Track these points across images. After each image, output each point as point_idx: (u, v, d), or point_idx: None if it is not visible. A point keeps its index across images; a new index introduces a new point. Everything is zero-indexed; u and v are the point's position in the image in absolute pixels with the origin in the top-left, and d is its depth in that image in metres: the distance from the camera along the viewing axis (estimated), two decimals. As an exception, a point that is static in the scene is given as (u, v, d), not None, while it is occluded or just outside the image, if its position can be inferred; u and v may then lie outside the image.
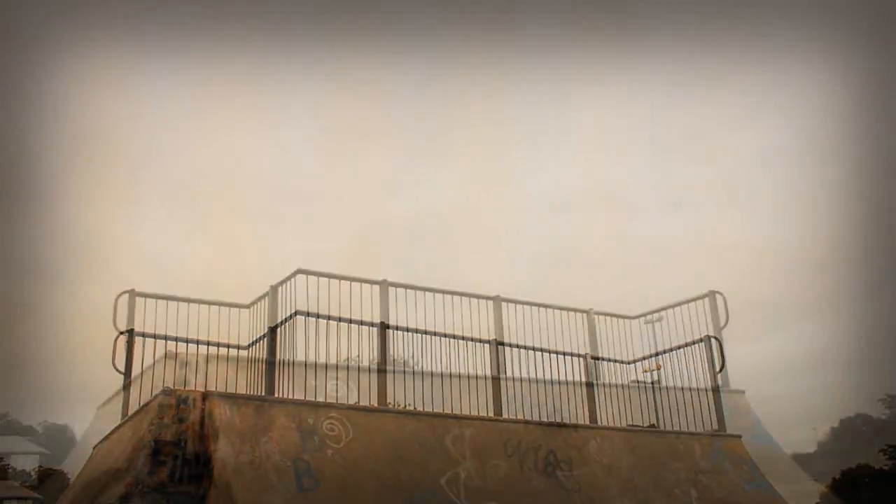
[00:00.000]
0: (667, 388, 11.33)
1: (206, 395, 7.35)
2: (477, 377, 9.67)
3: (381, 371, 8.91)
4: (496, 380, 9.93)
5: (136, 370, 8.89)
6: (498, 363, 10.00)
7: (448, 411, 9.24)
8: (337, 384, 8.51)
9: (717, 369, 11.28)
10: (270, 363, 9.07)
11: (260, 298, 9.82)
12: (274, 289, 9.26)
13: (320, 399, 8.27)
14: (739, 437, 11.37)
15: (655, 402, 11.49)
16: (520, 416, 9.80)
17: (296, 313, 8.66)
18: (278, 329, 9.13)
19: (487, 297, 10.11)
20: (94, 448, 9.27)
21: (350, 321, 8.81)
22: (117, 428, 8.47)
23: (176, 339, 9.22)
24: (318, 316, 8.63)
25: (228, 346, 9.69)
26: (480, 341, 9.96)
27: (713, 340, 11.31)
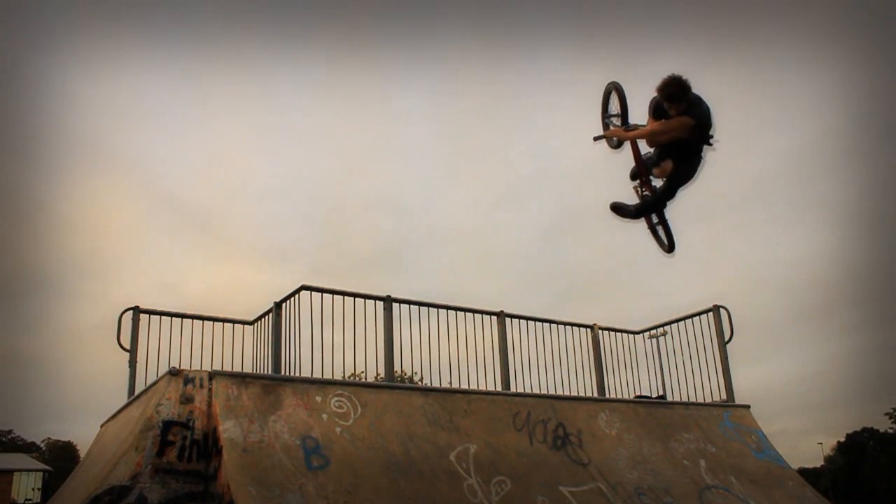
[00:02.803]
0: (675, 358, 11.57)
1: (212, 375, 7.36)
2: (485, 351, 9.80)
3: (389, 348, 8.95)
4: (504, 353, 10.01)
5: (141, 348, 8.97)
6: (504, 337, 10.09)
7: (456, 386, 9.29)
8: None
9: (726, 339, 11.33)
10: (276, 341, 9.09)
11: (264, 315, 9.83)
12: (278, 305, 9.27)
13: (327, 376, 8.29)
14: (748, 406, 11.45)
15: (663, 373, 11.67)
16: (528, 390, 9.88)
17: (302, 288, 8.70)
18: (283, 305, 9.17)
19: (492, 313, 10.12)
20: (101, 426, 9.30)
21: (356, 295, 8.92)
22: (124, 407, 8.49)
23: (182, 316, 9.33)
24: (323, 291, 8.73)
25: (234, 322, 9.82)
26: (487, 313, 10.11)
27: (721, 310, 11.37)
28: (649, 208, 7.27)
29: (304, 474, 6.87)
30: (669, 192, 7.02)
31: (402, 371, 11.60)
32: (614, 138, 7.16)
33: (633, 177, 7.42)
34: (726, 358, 11.30)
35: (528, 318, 10.45)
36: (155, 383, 7.53)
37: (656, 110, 6.65)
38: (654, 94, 6.56)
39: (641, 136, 6.81)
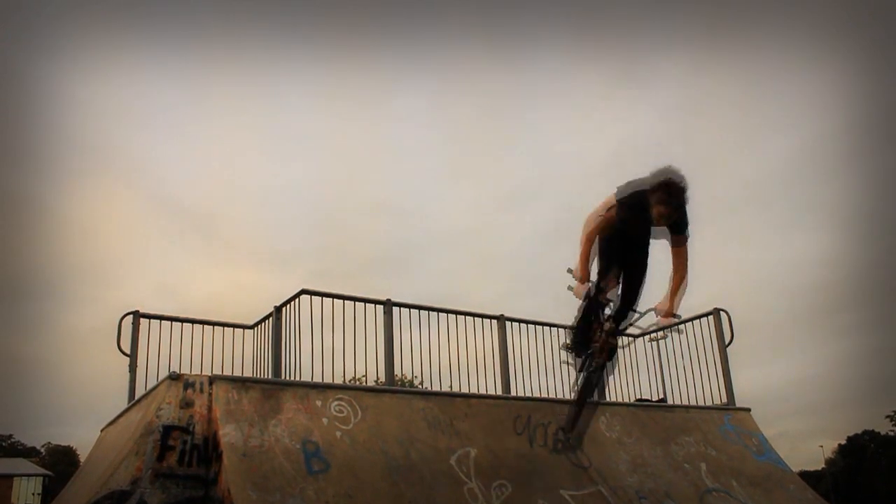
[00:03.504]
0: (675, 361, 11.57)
1: (213, 379, 7.36)
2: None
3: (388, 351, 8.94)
4: (504, 356, 10.00)
5: (141, 352, 8.98)
6: (504, 340, 10.07)
7: (456, 389, 9.31)
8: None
9: (727, 342, 11.32)
10: (276, 345, 9.08)
11: (264, 319, 9.84)
12: (278, 309, 9.27)
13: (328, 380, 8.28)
14: (749, 409, 11.43)
15: (664, 376, 11.67)
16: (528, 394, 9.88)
17: (302, 292, 8.69)
18: (283, 309, 9.16)
19: (492, 316, 10.11)
20: (101, 431, 9.30)
21: (355, 298, 8.91)
22: (125, 411, 8.49)
23: (182, 321, 9.35)
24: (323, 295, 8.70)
25: (234, 326, 9.84)
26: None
27: (721, 313, 11.35)
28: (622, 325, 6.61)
29: (304, 478, 6.87)
30: (629, 303, 6.32)
31: (402, 375, 11.60)
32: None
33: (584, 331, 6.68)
34: (727, 361, 11.29)
35: (528, 322, 10.45)
36: (155, 388, 7.52)
37: (631, 206, 5.76)
38: (650, 183, 5.66)
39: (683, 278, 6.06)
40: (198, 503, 6.69)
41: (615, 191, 6.07)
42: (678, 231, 5.82)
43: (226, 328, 9.96)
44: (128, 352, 9.03)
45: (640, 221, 5.84)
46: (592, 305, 6.51)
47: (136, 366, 8.98)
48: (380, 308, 9.06)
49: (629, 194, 5.85)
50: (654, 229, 5.98)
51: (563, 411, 9.30)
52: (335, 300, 8.76)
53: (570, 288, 6.45)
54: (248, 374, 9.60)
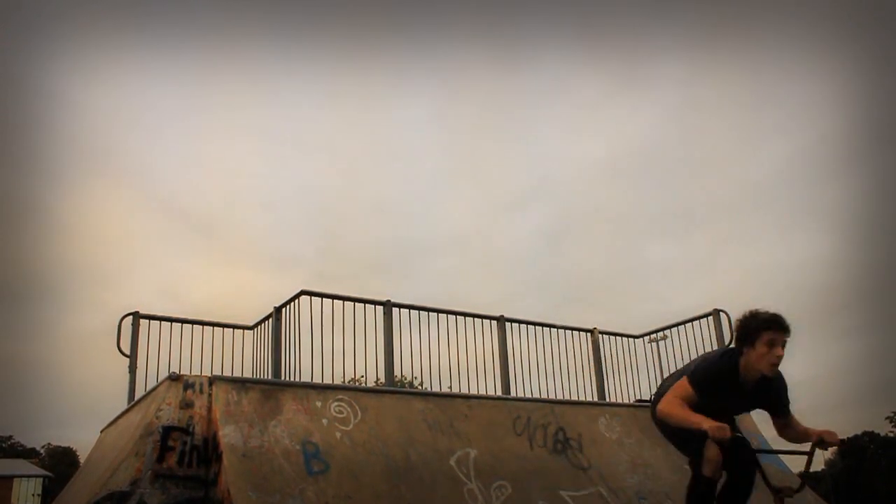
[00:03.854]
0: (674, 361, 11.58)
1: (212, 380, 7.35)
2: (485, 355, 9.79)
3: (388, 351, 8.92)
4: (504, 357, 9.98)
5: (141, 353, 8.98)
6: (504, 342, 10.05)
7: (456, 390, 9.30)
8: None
9: (727, 343, 11.32)
10: (276, 346, 9.07)
11: (264, 319, 9.83)
12: (277, 310, 9.26)
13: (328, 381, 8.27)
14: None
15: (664, 377, 11.76)
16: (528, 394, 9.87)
17: (302, 293, 8.66)
18: (283, 310, 9.14)
19: (492, 317, 10.10)
20: (101, 432, 9.29)
21: (356, 300, 8.89)
22: (124, 412, 8.49)
23: (182, 321, 9.35)
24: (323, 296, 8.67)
25: (234, 327, 9.85)
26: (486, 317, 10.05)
27: (721, 314, 11.32)
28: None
29: (304, 479, 6.85)
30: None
31: (402, 376, 11.59)
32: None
33: None
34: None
35: (528, 323, 10.43)
36: (155, 388, 7.52)
37: (713, 386, 4.82)
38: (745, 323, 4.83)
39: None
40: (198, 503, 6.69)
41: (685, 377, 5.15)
42: (783, 411, 5.04)
43: (226, 329, 9.95)
44: (127, 353, 9.02)
45: (730, 394, 4.97)
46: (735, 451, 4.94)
47: (136, 367, 8.97)
48: (380, 309, 9.05)
49: (707, 375, 4.99)
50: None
51: (563, 412, 9.31)
52: (335, 301, 8.74)
53: (715, 439, 4.58)
54: (247, 374, 9.59)
